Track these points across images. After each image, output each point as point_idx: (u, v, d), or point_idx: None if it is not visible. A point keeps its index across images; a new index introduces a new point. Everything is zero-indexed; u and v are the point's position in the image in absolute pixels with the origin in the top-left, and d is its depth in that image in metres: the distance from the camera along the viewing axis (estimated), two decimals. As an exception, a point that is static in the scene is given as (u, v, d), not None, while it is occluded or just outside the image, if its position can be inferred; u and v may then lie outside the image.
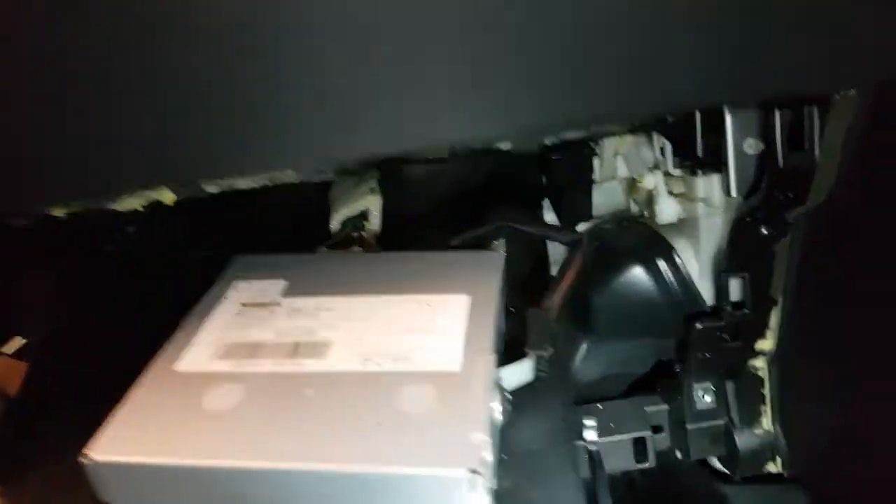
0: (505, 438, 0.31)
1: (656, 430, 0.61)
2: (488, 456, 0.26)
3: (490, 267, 0.37)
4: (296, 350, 0.32)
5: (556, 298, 0.35)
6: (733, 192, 0.48)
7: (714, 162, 0.51)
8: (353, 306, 0.34)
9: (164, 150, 0.34)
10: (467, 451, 0.26)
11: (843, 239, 0.47)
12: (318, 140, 0.34)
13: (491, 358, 0.30)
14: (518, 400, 0.32)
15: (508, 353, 0.33)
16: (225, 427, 0.28)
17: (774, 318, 0.53)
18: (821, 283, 0.50)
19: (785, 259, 0.51)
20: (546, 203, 0.68)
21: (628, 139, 0.62)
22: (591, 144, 0.63)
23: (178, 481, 0.27)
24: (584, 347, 0.63)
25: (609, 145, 0.62)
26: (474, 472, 0.25)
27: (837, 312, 0.49)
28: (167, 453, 0.27)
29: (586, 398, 0.62)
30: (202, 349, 0.32)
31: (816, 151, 0.43)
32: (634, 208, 0.66)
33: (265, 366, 0.31)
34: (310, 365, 0.31)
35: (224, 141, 0.33)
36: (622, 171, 0.64)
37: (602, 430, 0.59)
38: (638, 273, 0.58)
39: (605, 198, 0.68)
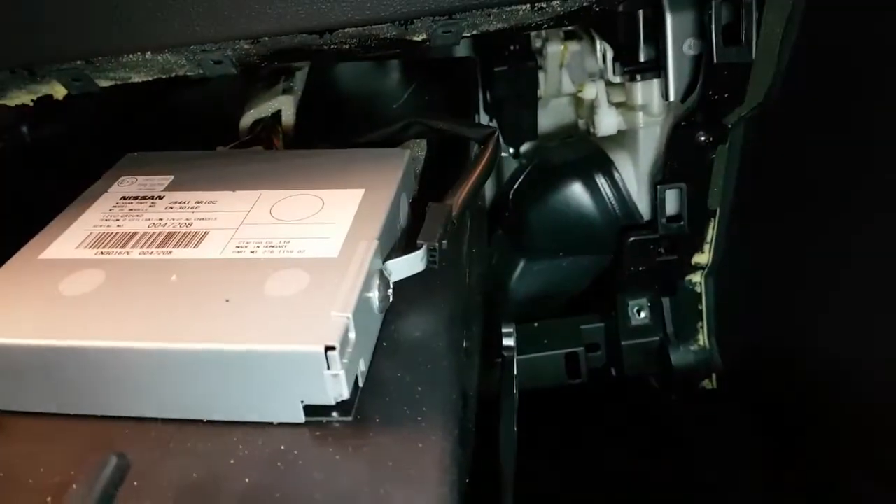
0: (388, 326, 0.29)
1: (592, 348, 0.60)
2: (350, 335, 0.25)
3: (392, 163, 0.35)
4: (167, 240, 0.30)
5: (460, 193, 0.33)
6: (671, 96, 0.45)
7: (654, 67, 0.48)
8: (237, 200, 0.32)
9: (38, 26, 0.31)
10: (326, 329, 0.24)
11: (784, 145, 0.44)
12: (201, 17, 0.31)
13: (371, 245, 0.28)
14: (412, 291, 0.30)
15: (408, 245, 0.31)
16: (76, 309, 0.26)
17: (711, 231, 0.52)
18: (758, 193, 0.48)
19: (723, 168, 0.48)
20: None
21: (571, 48, 0.59)
22: (536, 56, 0.60)
23: (23, 363, 0.25)
24: (521, 265, 0.62)
25: (553, 58, 0.59)
26: (330, 348, 0.23)
27: (775, 224, 0.47)
28: (12, 333, 0.25)
29: (526, 316, 0.61)
30: (71, 239, 0.30)
31: (753, 46, 0.40)
32: (582, 125, 0.63)
33: (132, 254, 0.29)
34: (179, 253, 0.29)
35: (96, 13, 0.30)
36: (567, 86, 0.60)
37: (536, 347, 0.59)
38: (575, 189, 0.56)
39: (552, 116, 0.65)
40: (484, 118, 0.64)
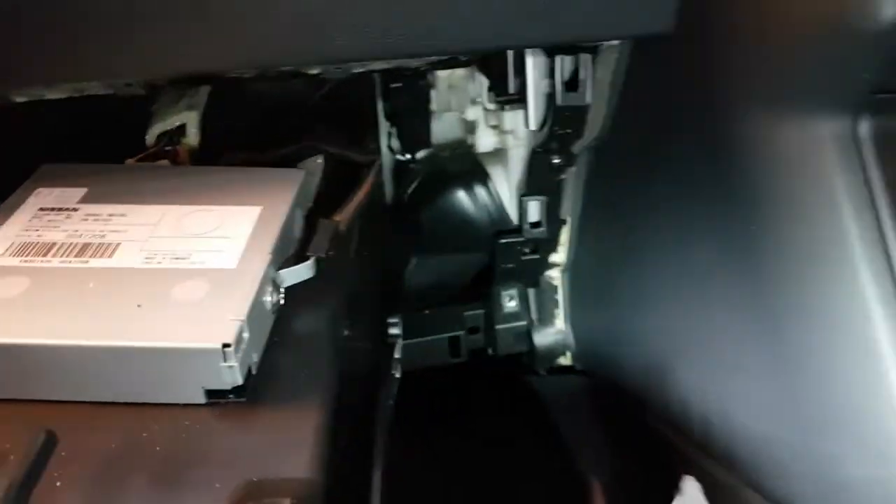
0: (281, 322, 0.35)
1: (474, 331, 0.69)
2: (244, 334, 0.31)
3: (287, 182, 0.40)
4: (84, 250, 0.34)
5: (346, 210, 0.39)
6: (531, 126, 0.53)
7: (520, 99, 0.55)
8: (146, 214, 0.37)
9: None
10: (223, 330, 0.30)
11: (614, 167, 0.53)
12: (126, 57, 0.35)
13: (265, 257, 0.34)
14: (303, 292, 0.36)
15: (300, 255, 0.37)
16: (7, 311, 0.30)
17: (565, 235, 0.61)
18: (601, 205, 0.57)
19: (572, 185, 0.57)
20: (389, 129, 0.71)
21: (458, 73, 0.66)
22: (428, 77, 0.66)
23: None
24: (413, 261, 0.69)
25: (442, 79, 0.66)
26: (227, 345, 0.29)
27: (613, 229, 0.56)
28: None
29: (420, 304, 0.69)
30: (-4, 247, 0.34)
31: (588, 94, 0.48)
32: (467, 140, 0.71)
33: (53, 263, 0.33)
34: (95, 263, 0.33)
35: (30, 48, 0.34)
36: (455, 104, 0.68)
37: (425, 331, 0.67)
38: (460, 196, 0.64)
39: (444, 127, 0.72)
40: (385, 125, 0.70)
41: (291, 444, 0.30)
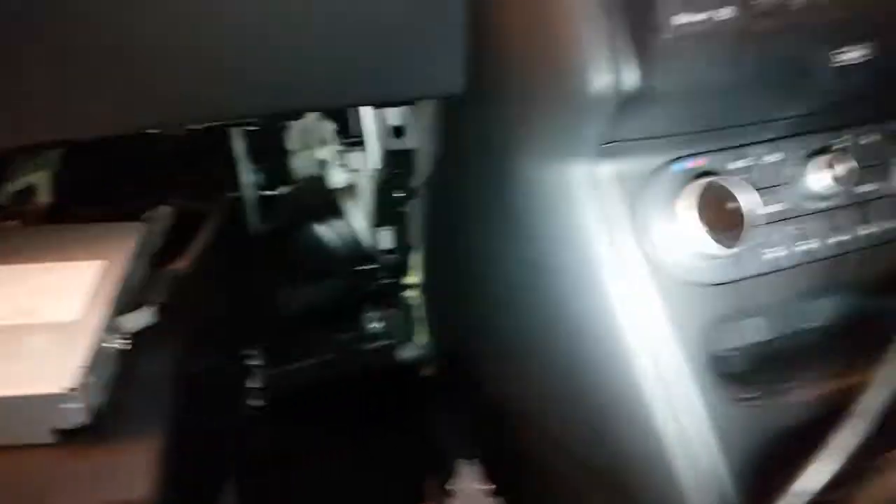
0: (125, 367, 0.39)
1: (344, 352, 0.74)
2: (88, 380, 0.35)
3: (131, 235, 0.44)
4: (-64, 308, 0.37)
5: (188, 255, 0.44)
6: (371, 165, 0.60)
7: (360, 142, 0.62)
8: (-6, 273, 0.40)
9: None
10: (68, 375, 0.34)
11: (451, 200, 0.61)
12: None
13: (107, 308, 0.38)
14: (146, 338, 0.40)
15: (139, 304, 0.41)
16: None
17: (416, 259, 0.68)
18: (443, 231, 0.65)
19: (417, 215, 0.65)
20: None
21: (310, 115, 0.72)
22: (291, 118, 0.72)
23: None
24: (284, 291, 0.74)
25: (297, 122, 0.71)
26: (72, 390, 0.34)
27: (456, 252, 0.64)
28: None
29: (293, 331, 0.74)
30: None
31: (411, 139, 0.56)
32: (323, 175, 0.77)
33: None
34: (-55, 321, 0.36)
35: None
36: (310, 143, 0.73)
37: (295, 358, 0.72)
38: (320, 229, 0.70)
39: (303, 164, 0.78)
40: (248, 165, 0.75)
41: (132, 471, 0.34)
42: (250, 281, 0.68)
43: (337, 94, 0.45)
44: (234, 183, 0.67)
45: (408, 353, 0.72)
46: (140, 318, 0.40)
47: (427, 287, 0.70)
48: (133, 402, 0.38)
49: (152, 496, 0.33)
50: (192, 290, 0.46)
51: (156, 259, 0.46)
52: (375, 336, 0.72)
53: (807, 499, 0.33)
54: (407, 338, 0.72)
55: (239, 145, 0.71)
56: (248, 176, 0.72)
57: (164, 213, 0.50)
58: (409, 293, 0.71)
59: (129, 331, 0.40)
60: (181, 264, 0.44)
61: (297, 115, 0.63)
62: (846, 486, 0.35)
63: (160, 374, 0.39)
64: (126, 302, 0.41)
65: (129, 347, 0.40)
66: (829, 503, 0.34)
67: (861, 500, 0.32)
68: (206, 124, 0.54)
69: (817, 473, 0.33)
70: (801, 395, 0.40)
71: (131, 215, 0.49)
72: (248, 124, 0.68)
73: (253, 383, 0.55)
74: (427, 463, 0.67)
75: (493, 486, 0.56)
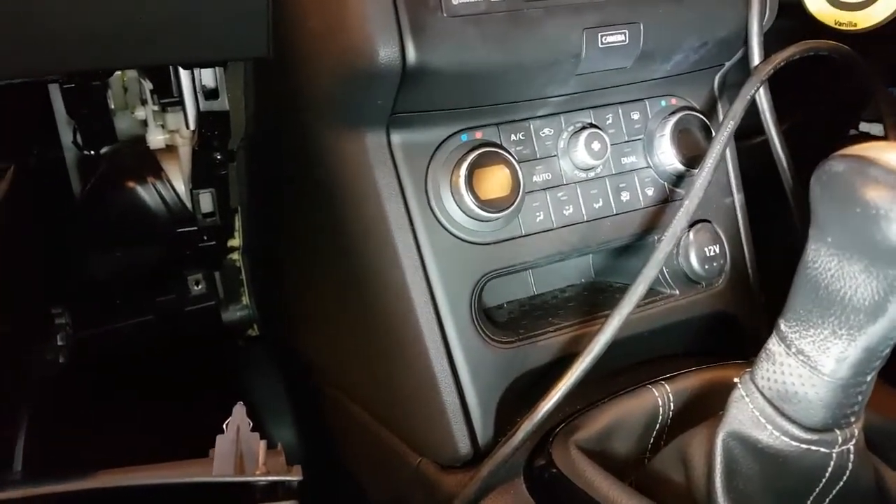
0: None
1: (166, 315, 0.71)
2: None
3: None
4: None
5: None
6: (189, 126, 0.58)
7: (179, 102, 0.59)
8: None
9: None
10: None
11: (268, 165, 0.61)
12: None
13: None
14: None
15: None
16: None
17: (238, 223, 0.67)
18: (262, 194, 0.64)
19: (236, 178, 0.63)
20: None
21: (129, 74, 0.67)
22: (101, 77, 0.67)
23: None
24: (100, 252, 0.69)
25: (116, 80, 0.66)
26: None
27: (274, 216, 0.64)
28: None
29: (107, 294, 0.69)
30: None
31: (224, 101, 0.55)
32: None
33: None
34: None
35: None
36: (129, 102, 0.69)
37: (116, 319, 0.68)
38: (138, 190, 0.66)
39: (127, 125, 0.73)
40: (69, 123, 0.68)
41: None
42: (62, 241, 0.62)
43: (143, 52, 0.43)
44: (55, 142, 0.61)
45: (231, 315, 0.71)
46: None
47: (249, 250, 0.69)
48: None
49: None
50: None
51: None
52: (198, 298, 0.70)
53: (538, 425, 0.38)
54: (232, 300, 0.71)
55: (59, 104, 0.65)
56: (66, 135, 0.66)
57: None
58: (234, 255, 0.69)
59: None
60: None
61: (108, 72, 0.58)
62: (575, 414, 0.41)
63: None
64: None
65: None
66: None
67: (655, 461, 0.38)
68: (15, 80, 0.49)
69: (549, 403, 0.38)
70: (550, 342, 0.45)
71: None
72: (61, 81, 0.62)
73: (57, 342, 0.51)
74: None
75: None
